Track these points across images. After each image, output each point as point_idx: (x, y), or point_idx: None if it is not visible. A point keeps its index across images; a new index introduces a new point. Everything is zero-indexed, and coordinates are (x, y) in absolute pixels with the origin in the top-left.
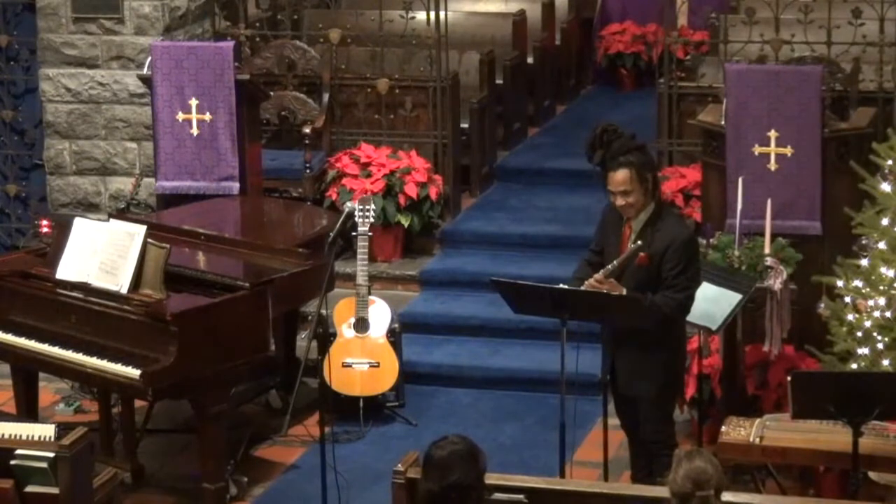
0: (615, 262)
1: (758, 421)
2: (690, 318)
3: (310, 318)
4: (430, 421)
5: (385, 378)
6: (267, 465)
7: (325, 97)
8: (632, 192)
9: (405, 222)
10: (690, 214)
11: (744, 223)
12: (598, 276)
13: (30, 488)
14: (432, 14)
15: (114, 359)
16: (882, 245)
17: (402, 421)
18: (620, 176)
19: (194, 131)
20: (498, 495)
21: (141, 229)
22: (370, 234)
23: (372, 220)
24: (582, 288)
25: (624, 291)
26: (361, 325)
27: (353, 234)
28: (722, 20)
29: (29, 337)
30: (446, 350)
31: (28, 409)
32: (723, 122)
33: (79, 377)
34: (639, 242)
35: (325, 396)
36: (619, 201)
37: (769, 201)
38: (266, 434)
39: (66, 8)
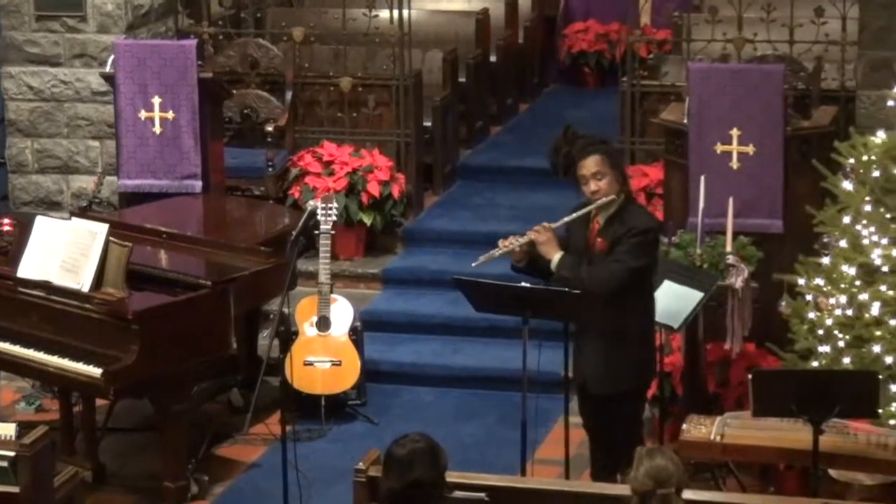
0: (566, 218)
1: (719, 419)
2: None
3: (272, 316)
4: (392, 419)
5: (347, 376)
6: (228, 464)
7: (288, 95)
8: (605, 176)
9: (368, 221)
10: (653, 213)
11: (706, 221)
12: (543, 225)
13: None
14: (395, 12)
15: (75, 357)
16: (843, 243)
17: (363, 419)
18: (592, 160)
19: (157, 129)
20: (459, 493)
21: (103, 228)
22: (332, 232)
23: (334, 218)
24: (526, 235)
25: (558, 254)
26: (323, 323)
27: (316, 232)
28: (685, 19)
29: None
30: (408, 348)
31: None
32: (685, 121)
33: (40, 376)
34: (602, 200)
35: (286, 395)
36: (592, 186)
37: (731, 199)
38: (227, 433)
39: (29, 5)
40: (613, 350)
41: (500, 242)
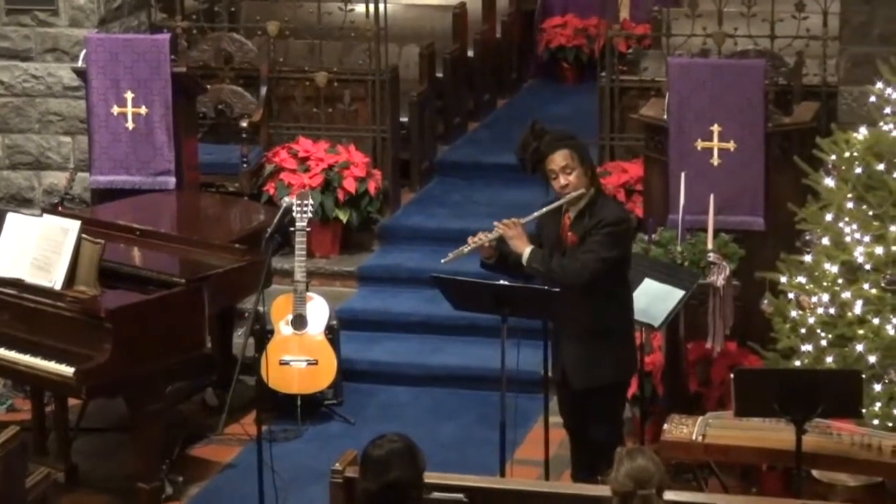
0: (536, 213)
1: (700, 419)
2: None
3: (247, 314)
4: (369, 419)
5: (323, 376)
6: (203, 465)
7: (263, 90)
8: (574, 170)
9: (344, 218)
10: (632, 210)
11: (686, 219)
12: (512, 220)
13: None
14: (371, 6)
15: (47, 356)
16: (825, 241)
17: (340, 419)
18: (560, 155)
19: (130, 125)
20: (437, 495)
21: (75, 225)
22: (308, 229)
23: (310, 215)
24: (493, 231)
25: (527, 248)
26: (299, 322)
27: (291, 229)
28: (664, 13)
29: None
30: (385, 347)
31: None
32: (665, 117)
33: (11, 375)
34: (572, 194)
35: (261, 394)
36: (562, 180)
37: (712, 196)
38: (202, 433)
39: None
40: (593, 344)
41: (470, 239)
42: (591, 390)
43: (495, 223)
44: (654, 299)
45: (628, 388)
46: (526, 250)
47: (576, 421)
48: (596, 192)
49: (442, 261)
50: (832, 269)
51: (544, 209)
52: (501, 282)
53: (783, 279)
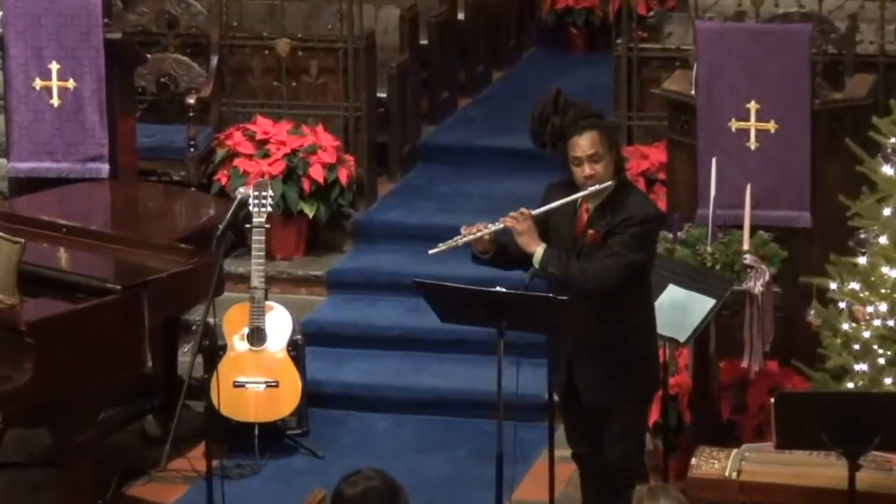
0: (551, 204)
1: (735, 452)
2: None
3: (194, 327)
4: (340, 452)
5: (285, 400)
6: None
7: (214, 61)
8: (602, 158)
9: (310, 212)
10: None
11: (718, 213)
12: (521, 211)
13: None
14: None
15: None
16: (883, 240)
17: (305, 452)
18: (587, 140)
19: (55, 102)
20: None
21: None
22: (267, 226)
23: (269, 209)
24: (499, 222)
25: (540, 246)
26: (257, 336)
27: (247, 226)
28: None
29: None
30: (359, 366)
31: None
32: (693, 92)
33: None
34: (595, 187)
35: (212, 423)
36: (587, 170)
37: (748, 187)
38: (141, 468)
39: None
40: (609, 356)
41: (464, 229)
42: (605, 408)
43: (503, 218)
44: (679, 309)
45: (650, 405)
46: (538, 249)
47: (587, 446)
48: (620, 181)
49: (430, 252)
50: (891, 273)
51: (559, 202)
52: (498, 288)
53: (833, 285)
